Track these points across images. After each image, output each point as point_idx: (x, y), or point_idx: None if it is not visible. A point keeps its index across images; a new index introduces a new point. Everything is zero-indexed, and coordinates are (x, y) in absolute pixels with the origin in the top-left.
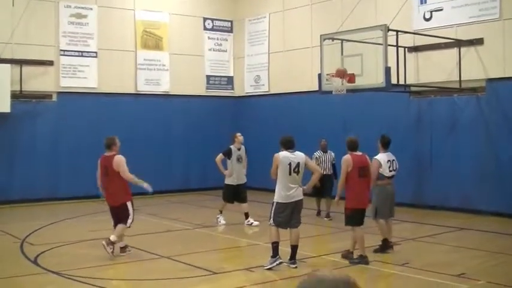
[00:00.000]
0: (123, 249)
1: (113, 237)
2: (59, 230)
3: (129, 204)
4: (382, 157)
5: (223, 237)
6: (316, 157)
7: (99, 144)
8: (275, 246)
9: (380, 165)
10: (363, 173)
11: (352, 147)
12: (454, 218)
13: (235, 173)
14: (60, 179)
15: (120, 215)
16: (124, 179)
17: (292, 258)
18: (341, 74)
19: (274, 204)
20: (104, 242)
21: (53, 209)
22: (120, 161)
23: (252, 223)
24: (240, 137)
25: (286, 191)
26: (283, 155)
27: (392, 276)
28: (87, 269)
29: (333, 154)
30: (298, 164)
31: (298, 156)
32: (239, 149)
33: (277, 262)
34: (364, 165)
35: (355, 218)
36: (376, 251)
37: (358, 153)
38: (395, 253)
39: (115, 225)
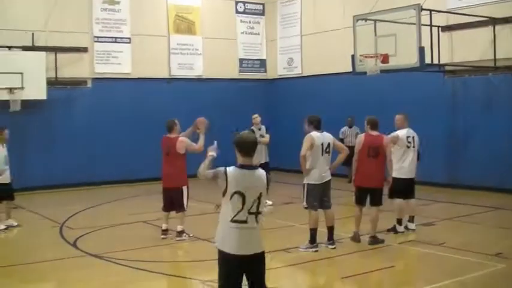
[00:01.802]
0: (165, 231)
1: (179, 227)
2: (96, 214)
3: (185, 188)
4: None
5: None
6: (342, 131)
7: (134, 129)
8: (313, 233)
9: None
10: (373, 153)
11: (371, 126)
12: (489, 197)
13: (257, 153)
14: (96, 164)
15: (175, 199)
16: (184, 162)
17: (330, 239)
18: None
19: (306, 185)
20: (176, 238)
21: (90, 194)
22: (182, 142)
23: (266, 202)
24: (256, 118)
25: (320, 171)
26: (316, 135)
27: (429, 256)
28: (126, 252)
29: (357, 129)
30: (328, 144)
31: (327, 136)
32: (260, 129)
33: (314, 250)
34: (375, 145)
35: (357, 196)
36: (388, 230)
37: (374, 133)
38: (432, 233)
39: (165, 208)
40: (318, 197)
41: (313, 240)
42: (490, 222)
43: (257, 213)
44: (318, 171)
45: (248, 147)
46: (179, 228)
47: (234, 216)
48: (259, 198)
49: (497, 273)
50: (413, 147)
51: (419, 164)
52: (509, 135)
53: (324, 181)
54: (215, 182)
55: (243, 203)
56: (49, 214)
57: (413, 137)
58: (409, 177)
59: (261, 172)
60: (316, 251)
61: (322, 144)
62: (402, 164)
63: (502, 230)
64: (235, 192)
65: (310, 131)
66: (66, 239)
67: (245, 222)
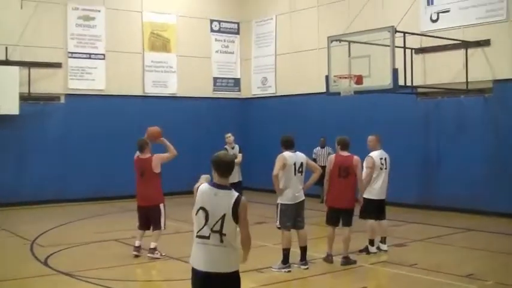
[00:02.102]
0: (137, 248)
1: (153, 244)
2: (68, 231)
3: (162, 206)
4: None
5: None
6: (315, 152)
7: (107, 146)
8: (286, 253)
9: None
10: (344, 173)
11: (341, 146)
12: (461, 218)
13: None
14: (68, 180)
15: (152, 217)
16: (159, 181)
17: (303, 259)
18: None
19: (279, 206)
20: (148, 255)
21: (61, 210)
22: (157, 158)
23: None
24: (230, 137)
25: (293, 191)
26: (289, 154)
27: (401, 277)
28: (98, 270)
29: (330, 149)
30: (301, 164)
31: (300, 156)
32: (233, 148)
33: (287, 270)
34: (345, 165)
35: (329, 216)
36: (361, 251)
37: (345, 153)
38: (404, 254)
39: (141, 226)
40: (292, 217)
41: (286, 260)
42: (462, 244)
43: (221, 232)
44: (291, 191)
45: (223, 167)
46: (152, 245)
47: (198, 231)
48: (222, 218)
49: None
50: (386, 168)
51: (389, 185)
52: (480, 157)
53: (297, 201)
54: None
55: (206, 219)
56: (20, 231)
57: (385, 159)
58: (380, 199)
59: (232, 193)
60: (289, 271)
61: (294, 163)
62: (374, 186)
63: (473, 251)
64: (200, 208)
65: (283, 151)
66: (37, 257)
67: (208, 238)
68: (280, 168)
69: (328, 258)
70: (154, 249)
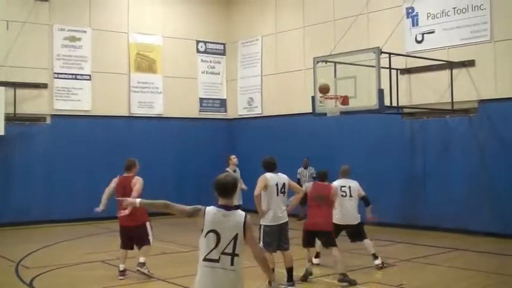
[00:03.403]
0: (122, 272)
1: (142, 259)
2: (54, 252)
3: (147, 224)
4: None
5: None
6: (298, 172)
7: (93, 167)
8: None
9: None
10: (320, 201)
11: (319, 178)
12: (447, 238)
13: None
14: (54, 202)
15: (138, 236)
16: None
17: (290, 280)
18: (324, 91)
19: (262, 227)
20: (138, 268)
21: (47, 232)
22: (137, 181)
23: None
24: (234, 159)
25: (276, 212)
26: (270, 175)
27: None
28: None
29: (312, 169)
30: (284, 185)
31: (282, 177)
32: (234, 171)
33: None
34: (322, 194)
35: (304, 238)
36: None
37: (323, 183)
38: (390, 274)
39: (123, 245)
40: (275, 238)
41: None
42: (448, 263)
43: (233, 254)
44: (273, 212)
45: (223, 189)
46: (142, 259)
47: (206, 255)
48: (235, 239)
49: None
50: (350, 196)
51: (373, 207)
52: (466, 177)
53: (280, 222)
54: (192, 218)
55: (217, 242)
56: (4, 252)
57: (349, 187)
58: (342, 224)
59: (239, 213)
60: None
61: (277, 184)
62: (335, 211)
63: (460, 271)
64: (210, 231)
65: (264, 172)
66: (22, 279)
67: (217, 261)
68: (262, 188)
69: (305, 275)
70: (144, 263)
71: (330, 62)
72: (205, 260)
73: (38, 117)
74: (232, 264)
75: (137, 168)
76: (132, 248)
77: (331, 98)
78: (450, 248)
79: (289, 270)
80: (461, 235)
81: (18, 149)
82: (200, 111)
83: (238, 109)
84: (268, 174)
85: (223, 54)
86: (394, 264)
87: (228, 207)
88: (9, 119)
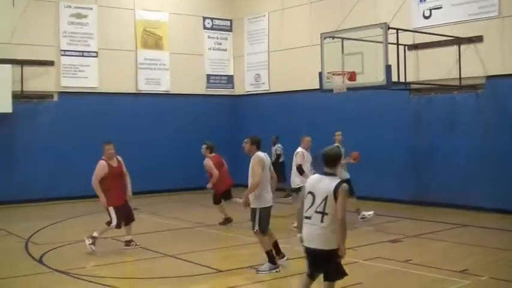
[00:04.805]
0: (128, 242)
1: (129, 237)
2: (61, 229)
3: (110, 208)
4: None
5: (225, 235)
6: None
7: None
8: (272, 254)
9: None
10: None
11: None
12: (454, 214)
13: None
14: (60, 179)
15: (130, 209)
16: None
17: (279, 252)
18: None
19: (259, 210)
20: (125, 247)
21: (54, 209)
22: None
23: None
24: (339, 135)
25: (269, 193)
26: (264, 155)
27: (395, 273)
28: (92, 268)
29: (279, 147)
30: (270, 165)
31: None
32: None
33: (278, 270)
34: None
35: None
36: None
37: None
38: (398, 250)
39: (127, 221)
40: (268, 219)
41: (273, 260)
42: (456, 239)
43: (323, 213)
44: (269, 194)
45: (327, 159)
46: (129, 237)
47: (305, 213)
48: (325, 199)
49: None
50: None
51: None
52: (473, 153)
53: (272, 203)
54: None
55: (312, 201)
56: (13, 229)
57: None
58: None
59: (334, 179)
60: (278, 270)
61: (269, 165)
62: None
63: (467, 247)
64: (308, 192)
65: (253, 150)
66: (31, 255)
67: (309, 218)
68: (262, 169)
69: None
70: (131, 240)
71: (337, 38)
72: (305, 217)
73: (45, 94)
74: (322, 221)
75: (105, 151)
76: (132, 220)
77: (339, 75)
78: (458, 224)
79: (276, 244)
80: (468, 211)
81: (26, 127)
82: (207, 87)
83: (245, 85)
84: (261, 154)
85: (230, 30)
86: (401, 239)
87: (327, 174)
88: (16, 96)
